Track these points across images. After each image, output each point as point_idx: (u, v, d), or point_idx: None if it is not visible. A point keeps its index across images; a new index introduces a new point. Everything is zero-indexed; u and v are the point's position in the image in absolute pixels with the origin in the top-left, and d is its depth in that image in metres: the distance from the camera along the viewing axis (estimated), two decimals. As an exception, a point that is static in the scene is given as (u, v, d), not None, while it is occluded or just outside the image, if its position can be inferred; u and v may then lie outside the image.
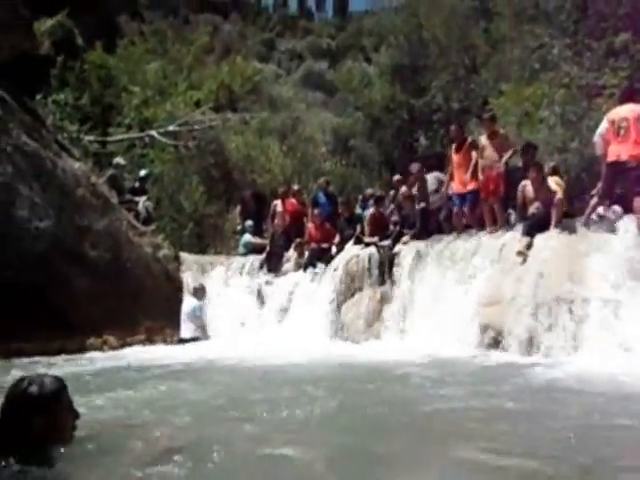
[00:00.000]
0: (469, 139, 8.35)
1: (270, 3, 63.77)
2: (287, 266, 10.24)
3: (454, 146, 8.31)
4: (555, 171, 8.38)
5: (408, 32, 17.27)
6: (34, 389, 2.14)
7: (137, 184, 11.29)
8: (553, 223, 6.87)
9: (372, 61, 26.17)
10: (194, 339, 8.81)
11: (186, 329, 8.94)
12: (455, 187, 8.18)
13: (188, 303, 9.20)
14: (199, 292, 9.33)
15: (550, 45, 11.74)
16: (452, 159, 8.31)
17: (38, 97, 13.26)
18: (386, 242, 8.78)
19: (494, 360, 5.87)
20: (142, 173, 11.67)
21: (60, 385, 2.21)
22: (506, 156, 7.75)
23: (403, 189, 9.10)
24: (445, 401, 3.89)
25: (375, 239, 8.98)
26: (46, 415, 2.15)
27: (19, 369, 6.00)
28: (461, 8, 16.72)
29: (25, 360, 6.75)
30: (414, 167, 9.21)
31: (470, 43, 16.22)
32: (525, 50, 12.85)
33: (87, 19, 19.59)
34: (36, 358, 6.84)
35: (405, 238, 8.65)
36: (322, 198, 10.64)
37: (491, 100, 13.37)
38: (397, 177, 9.84)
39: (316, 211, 10.22)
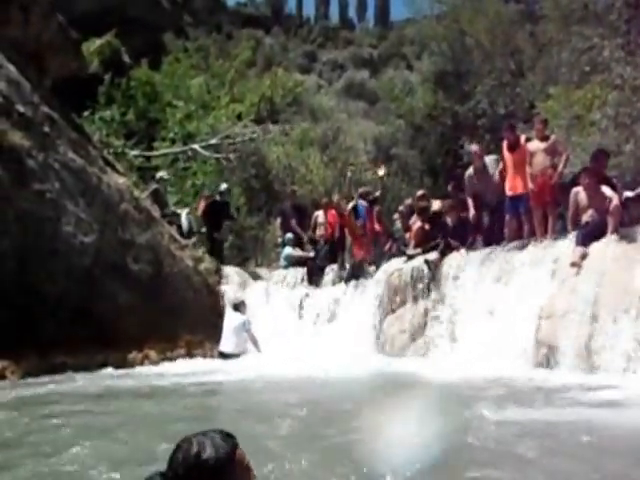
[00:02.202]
0: (523, 136, 7.92)
1: (312, 15, 64.50)
2: (328, 279, 10.09)
3: (506, 145, 7.80)
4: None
5: (451, 39, 16.98)
6: (209, 454, 1.74)
7: (218, 197, 11.38)
8: (609, 232, 6.48)
9: (414, 69, 25.97)
10: (236, 355, 8.66)
11: (229, 343, 8.79)
12: (509, 189, 7.72)
13: (232, 317, 9.00)
14: (241, 306, 9.15)
15: (600, 46, 11.27)
16: (505, 159, 7.83)
17: (86, 114, 13.72)
18: (432, 254, 8.50)
19: (546, 380, 5.56)
20: (222, 187, 11.80)
21: (234, 442, 1.82)
22: (561, 164, 7.38)
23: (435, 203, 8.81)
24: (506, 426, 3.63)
25: (418, 250, 8.73)
26: None
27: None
28: (506, 13, 16.31)
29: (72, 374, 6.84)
30: (474, 147, 8.67)
31: (515, 47, 15.81)
32: (574, 52, 12.39)
33: (134, 38, 20.26)
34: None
35: (453, 250, 8.35)
36: (362, 209, 10.44)
37: (538, 104, 12.95)
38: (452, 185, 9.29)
39: (359, 223, 10.03)
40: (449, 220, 8.70)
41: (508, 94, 15.22)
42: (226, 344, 8.79)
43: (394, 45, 43.03)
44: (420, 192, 9.94)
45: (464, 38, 16.70)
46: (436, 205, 9.25)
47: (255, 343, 8.89)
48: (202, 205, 11.35)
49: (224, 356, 8.64)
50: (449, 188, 9.24)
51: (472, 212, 8.21)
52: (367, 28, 59.69)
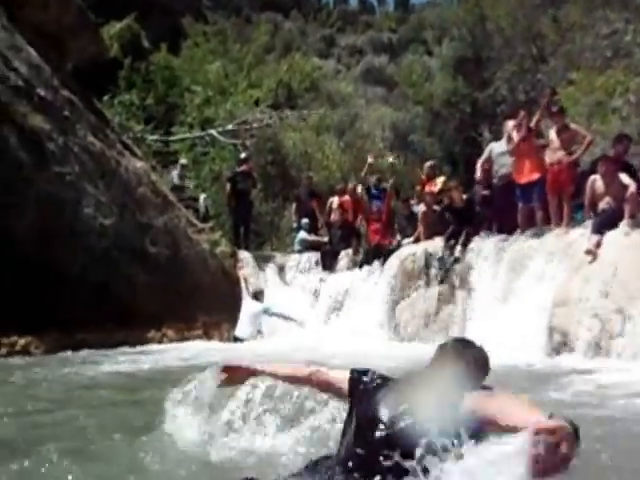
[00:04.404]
0: (535, 126, 7.79)
1: (331, -1, 63.69)
2: (342, 264, 10.15)
3: (520, 134, 7.60)
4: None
5: (471, 23, 16.77)
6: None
7: (238, 169, 11.44)
8: (625, 219, 6.43)
9: (433, 54, 25.69)
10: (248, 340, 8.74)
11: (244, 329, 8.93)
12: (519, 177, 7.63)
13: (250, 305, 9.15)
14: (260, 295, 9.29)
15: (624, 30, 11.09)
16: (516, 147, 7.65)
17: (106, 98, 13.85)
18: (439, 241, 8.51)
19: (561, 366, 5.57)
20: (243, 155, 11.97)
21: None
22: (581, 148, 7.27)
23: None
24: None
25: (410, 240, 8.76)
26: None
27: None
28: (528, -3, 16.05)
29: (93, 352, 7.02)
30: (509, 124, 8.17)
31: (537, 32, 15.56)
32: (597, 37, 12.21)
33: (153, 22, 20.26)
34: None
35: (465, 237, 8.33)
36: (376, 194, 10.46)
37: (559, 90, 12.77)
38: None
39: (374, 208, 10.07)
40: (452, 201, 8.59)
41: (529, 80, 15.05)
42: (241, 329, 8.93)
43: (414, 29, 42.48)
44: (429, 162, 9.91)
45: (485, 23, 16.49)
46: (439, 182, 9.25)
47: (288, 319, 9.02)
48: (228, 187, 11.40)
49: (238, 340, 8.79)
50: (477, 176, 8.76)
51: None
52: (387, 12, 58.98)
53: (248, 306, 9.15)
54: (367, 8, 61.80)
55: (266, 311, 9.01)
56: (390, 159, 11.04)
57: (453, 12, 18.86)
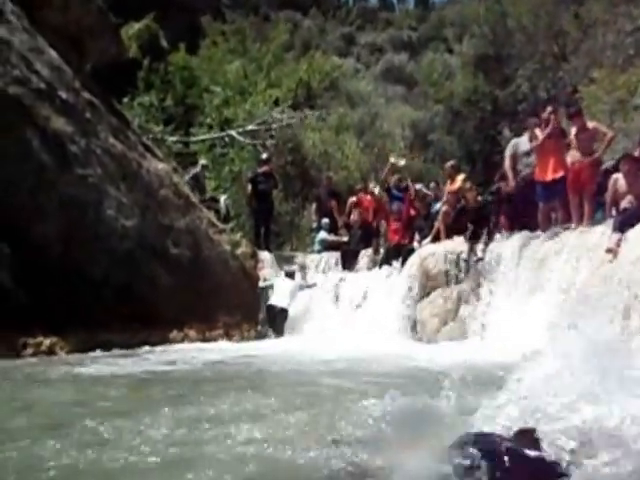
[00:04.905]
0: (561, 125, 7.76)
1: (351, -5, 63.30)
2: (362, 263, 10.16)
3: (545, 131, 7.51)
4: None
5: (492, 21, 16.65)
6: None
7: (259, 170, 11.58)
8: (648, 218, 6.35)
9: (454, 52, 25.51)
10: (283, 310, 9.40)
11: (283, 300, 9.47)
12: (543, 175, 7.56)
13: (285, 281, 9.79)
14: (292, 275, 9.94)
15: (647, 27, 10.92)
16: (539, 146, 7.58)
17: (125, 100, 13.97)
18: (464, 241, 8.50)
19: None
20: (264, 156, 12.15)
21: None
22: (603, 145, 7.23)
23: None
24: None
25: (427, 241, 8.84)
26: None
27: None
28: (550, -7, 15.86)
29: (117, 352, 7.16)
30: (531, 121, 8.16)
31: (559, 29, 15.39)
32: (619, 34, 12.03)
33: (171, 21, 20.16)
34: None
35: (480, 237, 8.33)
36: (397, 194, 10.45)
37: (581, 88, 12.63)
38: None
39: (394, 207, 10.06)
40: (466, 201, 8.65)
41: (550, 78, 14.90)
42: (280, 300, 9.46)
43: (434, 27, 42.15)
44: (450, 162, 9.88)
45: (506, 20, 16.36)
46: (459, 180, 9.24)
47: (313, 285, 9.91)
48: (249, 187, 11.50)
49: (273, 309, 9.35)
50: (496, 179, 8.88)
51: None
52: (407, 10, 58.61)
53: (284, 282, 9.77)
54: (387, 5, 61.35)
55: (301, 287, 9.74)
56: (401, 162, 10.96)
57: (474, 9, 18.71)
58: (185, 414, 3.50)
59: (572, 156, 7.30)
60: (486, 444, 1.92)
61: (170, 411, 3.53)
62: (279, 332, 9.31)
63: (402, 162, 10.90)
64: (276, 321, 9.39)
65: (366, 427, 2.97)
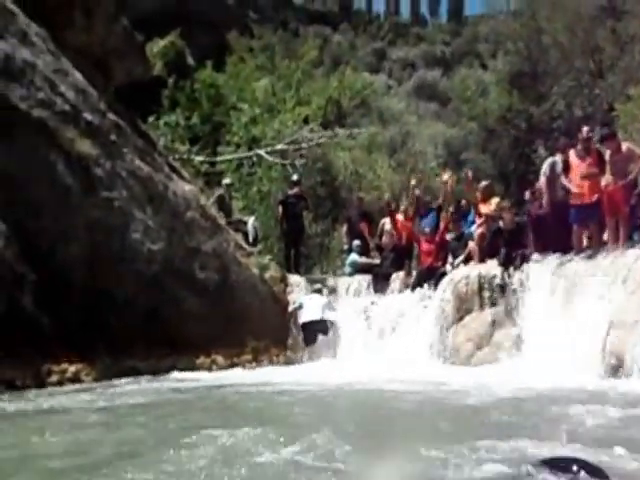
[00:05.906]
0: (597, 146, 7.61)
1: (382, 11, 63.54)
2: (394, 286, 9.89)
3: (580, 152, 7.53)
4: None
5: (527, 37, 16.33)
6: None
7: (290, 192, 11.39)
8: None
9: (488, 68, 25.14)
10: (317, 322, 9.16)
11: (314, 314, 9.23)
12: (580, 198, 7.48)
13: (314, 297, 9.56)
14: (320, 291, 9.75)
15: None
16: (575, 167, 7.54)
17: (151, 119, 13.82)
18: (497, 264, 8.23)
19: (617, 389, 5.40)
20: (295, 178, 11.96)
21: None
22: (636, 169, 7.06)
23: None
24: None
25: (459, 260, 8.67)
26: None
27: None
28: (586, 8, 15.45)
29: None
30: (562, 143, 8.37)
31: (595, 46, 14.98)
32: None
33: (197, 38, 19.91)
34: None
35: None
36: (429, 215, 10.15)
37: (617, 106, 12.24)
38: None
39: (427, 229, 9.77)
40: (503, 223, 8.49)
41: (586, 95, 14.52)
42: (312, 314, 9.23)
43: (468, 42, 41.82)
44: (484, 183, 9.60)
45: (541, 36, 16.02)
46: (494, 203, 8.98)
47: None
48: (280, 209, 11.32)
49: (309, 325, 9.13)
50: (526, 196, 8.78)
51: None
52: (440, 24, 58.35)
53: (312, 298, 9.55)
54: (419, 20, 61.29)
55: (329, 304, 9.50)
56: (445, 176, 10.50)
57: (508, 25, 18.37)
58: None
59: (606, 179, 7.23)
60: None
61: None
62: (316, 350, 9.11)
63: (445, 176, 10.45)
64: (314, 336, 9.15)
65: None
